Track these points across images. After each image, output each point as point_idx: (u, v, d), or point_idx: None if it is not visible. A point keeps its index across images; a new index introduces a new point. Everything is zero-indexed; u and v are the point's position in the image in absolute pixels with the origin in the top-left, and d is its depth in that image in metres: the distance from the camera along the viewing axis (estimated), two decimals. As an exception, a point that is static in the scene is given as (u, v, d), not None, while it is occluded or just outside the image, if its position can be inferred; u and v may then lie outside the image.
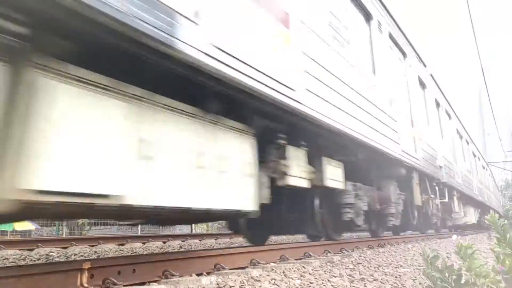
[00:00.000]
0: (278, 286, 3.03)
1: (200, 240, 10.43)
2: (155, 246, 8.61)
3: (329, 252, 5.76)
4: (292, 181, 4.59)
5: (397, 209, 8.06)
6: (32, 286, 2.61)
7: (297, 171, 4.70)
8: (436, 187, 10.45)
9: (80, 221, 13.12)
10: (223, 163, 3.48)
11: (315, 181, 5.19)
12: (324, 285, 3.12)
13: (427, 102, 10.62)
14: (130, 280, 3.12)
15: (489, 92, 26.73)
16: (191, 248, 7.99)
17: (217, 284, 2.99)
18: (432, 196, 10.03)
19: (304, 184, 4.91)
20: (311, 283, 3.17)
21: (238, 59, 3.18)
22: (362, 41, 6.72)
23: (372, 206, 7.14)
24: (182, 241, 9.96)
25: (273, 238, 11.85)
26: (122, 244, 8.50)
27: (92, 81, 2.39)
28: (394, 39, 8.39)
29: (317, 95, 4.52)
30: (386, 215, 7.88)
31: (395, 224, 8.27)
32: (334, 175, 5.55)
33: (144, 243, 8.91)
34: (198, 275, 3.45)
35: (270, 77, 3.63)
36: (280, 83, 3.78)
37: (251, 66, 3.34)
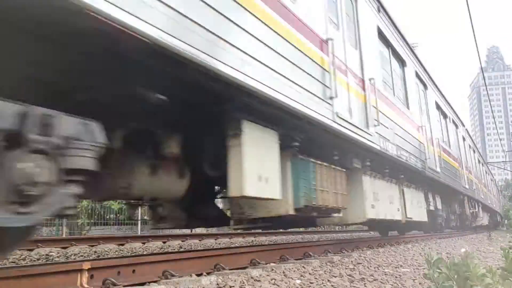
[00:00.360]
0: (278, 286, 3.02)
1: (200, 240, 10.42)
2: (155, 246, 8.61)
3: (329, 252, 5.76)
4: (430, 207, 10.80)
5: (455, 218, 14.74)
6: (32, 286, 2.60)
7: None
8: (473, 202, 16.80)
9: (79, 220, 13.13)
10: (394, 199, 7.76)
11: (433, 207, 11.20)
12: (324, 285, 3.12)
13: (466, 152, 17.22)
14: (130, 280, 3.12)
15: (488, 92, 26.89)
16: (191, 248, 7.99)
17: (217, 284, 2.99)
18: (471, 209, 16.39)
19: (433, 208, 10.92)
20: (311, 283, 3.17)
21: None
22: (449, 135, 13.76)
23: (447, 216, 13.44)
24: (182, 241, 9.95)
25: (273, 238, 12.04)
26: (122, 244, 8.48)
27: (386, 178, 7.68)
28: (457, 124, 15.51)
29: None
30: (449, 220, 14.05)
31: (453, 225, 14.71)
32: (438, 203, 11.79)
33: (144, 243, 8.90)
34: (198, 275, 3.44)
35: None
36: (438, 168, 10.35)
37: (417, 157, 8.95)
